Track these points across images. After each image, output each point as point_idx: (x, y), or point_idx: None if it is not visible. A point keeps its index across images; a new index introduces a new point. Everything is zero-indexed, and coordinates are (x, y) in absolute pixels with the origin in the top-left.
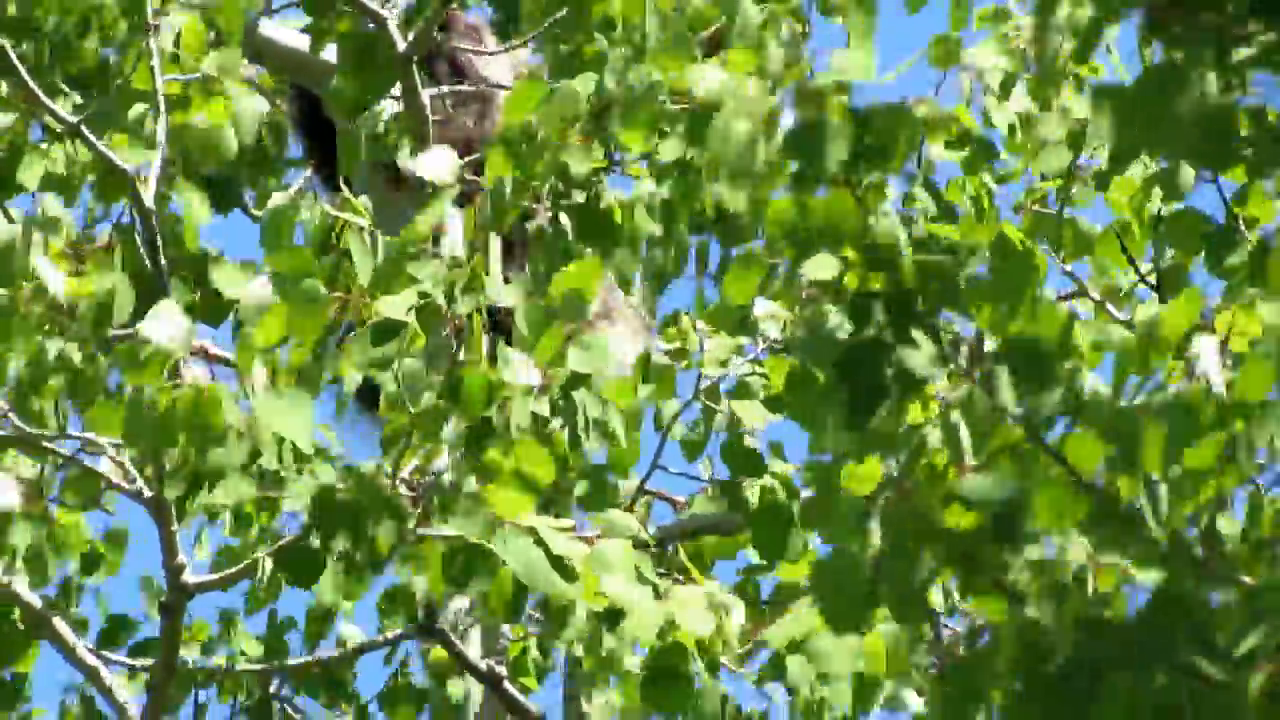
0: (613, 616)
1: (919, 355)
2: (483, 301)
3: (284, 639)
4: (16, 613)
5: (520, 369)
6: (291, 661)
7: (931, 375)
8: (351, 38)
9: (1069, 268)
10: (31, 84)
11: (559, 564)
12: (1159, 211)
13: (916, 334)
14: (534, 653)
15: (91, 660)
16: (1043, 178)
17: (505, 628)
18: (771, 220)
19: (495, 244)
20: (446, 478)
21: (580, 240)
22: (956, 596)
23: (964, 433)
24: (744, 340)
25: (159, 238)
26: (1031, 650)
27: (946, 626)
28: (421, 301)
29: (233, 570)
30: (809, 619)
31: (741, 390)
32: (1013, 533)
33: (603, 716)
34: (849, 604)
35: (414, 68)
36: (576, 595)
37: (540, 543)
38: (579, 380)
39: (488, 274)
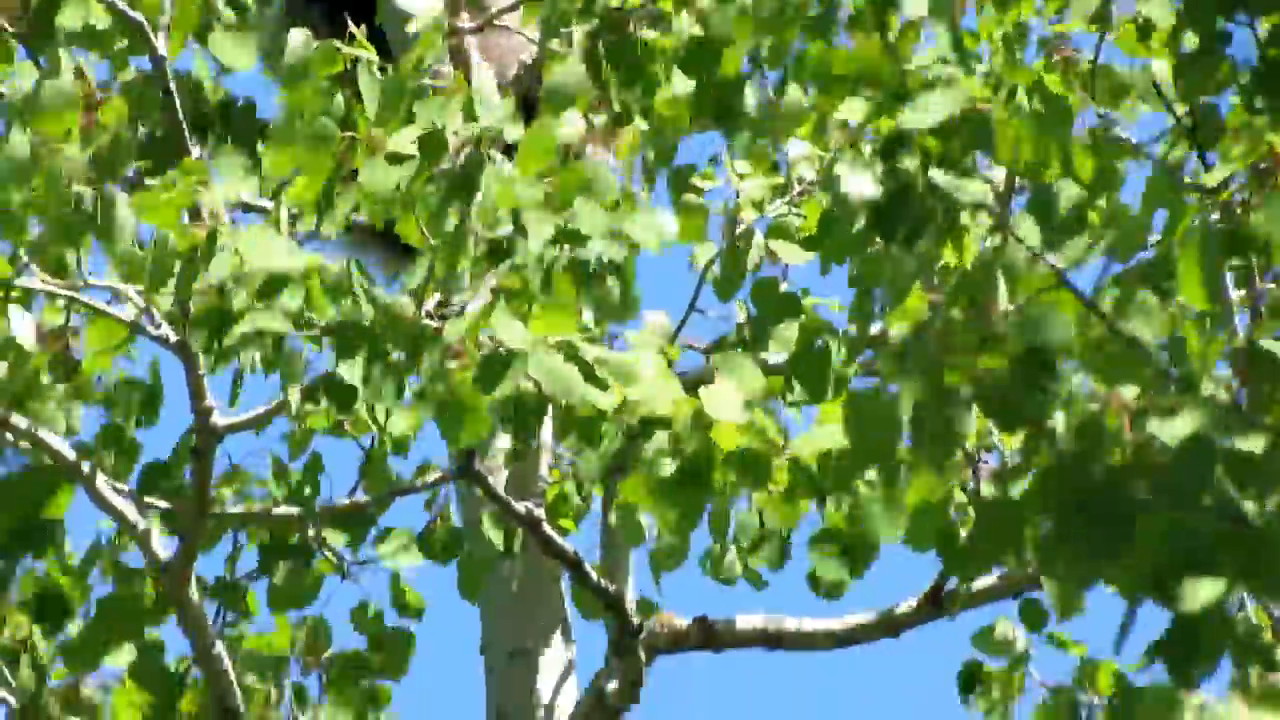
0: (645, 428)
1: (968, 186)
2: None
3: (318, 482)
4: (46, 459)
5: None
6: (326, 505)
7: (982, 203)
8: None
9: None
10: None
11: (590, 375)
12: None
13: (950, 177)
14: (571, 494)
15: (120, 503)
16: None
17: (542, 470)
18: (804, 65)
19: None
20: (469, 305)
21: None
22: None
23: (999, 276)
24: (779, 180)
25: (173, 87)
26: (1066, 489)
27: (984, 463)
28: (426, 132)
29: (262, 410)
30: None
31: (777, 231)
32: (1048, 372)
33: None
34: (879, 438)
35: None
36: (608, 406)
37: (572, 357)
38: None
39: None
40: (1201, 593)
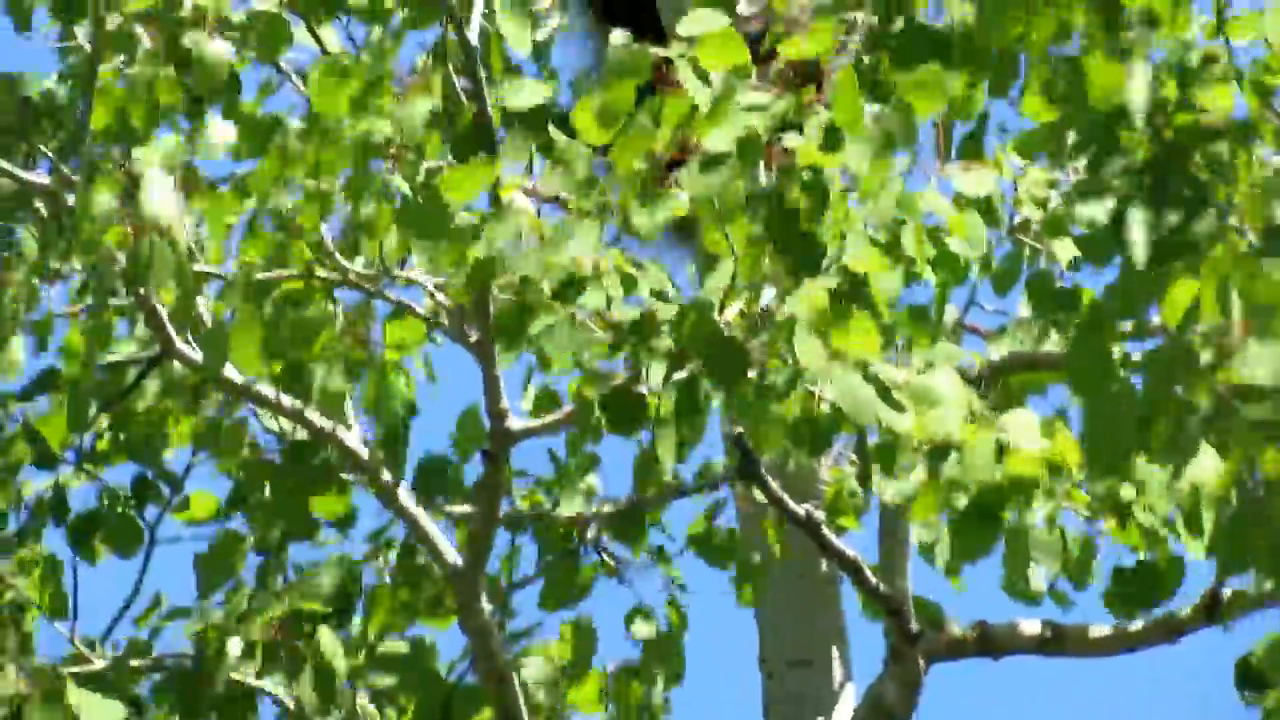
0: (941, 451)
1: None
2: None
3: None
4: (331, 456)
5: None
6: (608, 508)
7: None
8: None
9: None
10: None
11: (887, 397)
12: None
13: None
14: (854, 492)
15: (412, 507)
16: None
17: (823, 471)
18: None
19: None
20: (778, 310)
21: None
22: None
23: (1234, 296)
24: (1057, 174)
25: (481, 73)
26: None
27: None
28: (745, 133)
29: (558, 415)
30: None
31: (1053, 226)
32: None
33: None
34: (1114, 448)
35: None
36: (905, 429)
37: (869, 377)
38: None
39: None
40: None
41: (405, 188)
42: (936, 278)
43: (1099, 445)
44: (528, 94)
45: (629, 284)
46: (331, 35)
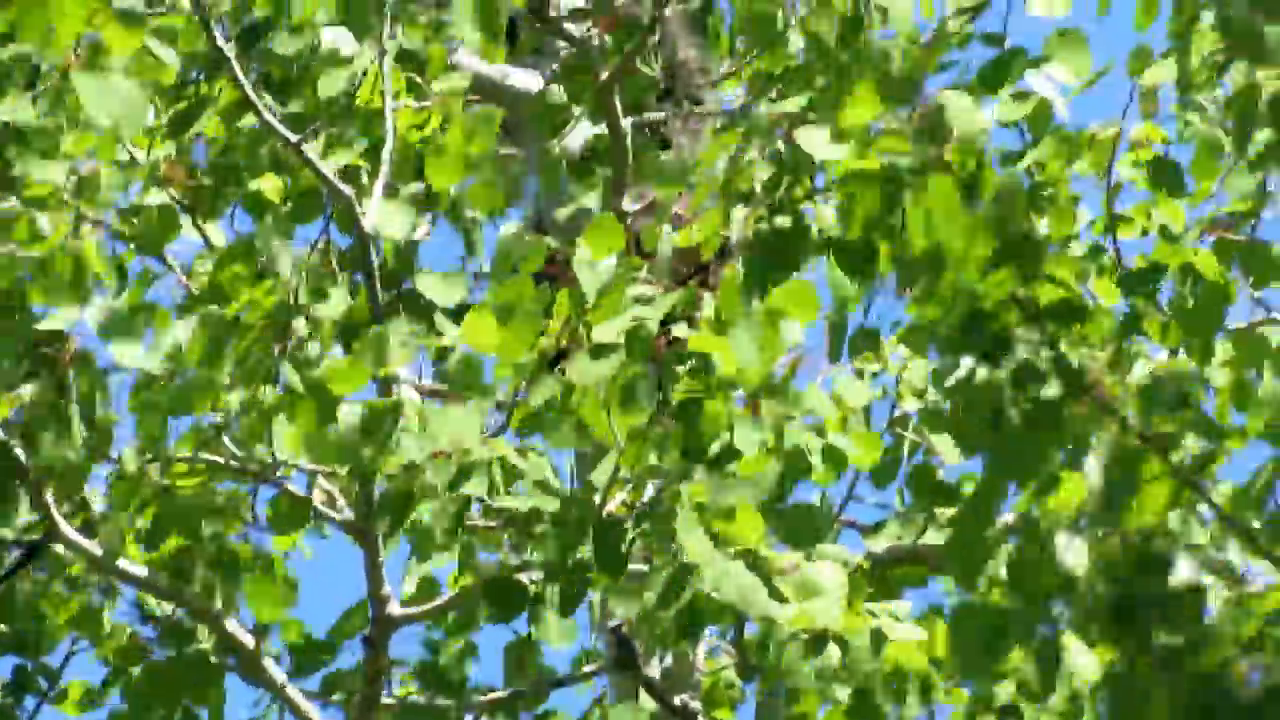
0: (820, 641)
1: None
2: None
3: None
4: (209, 645)
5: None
6: (485, 697)
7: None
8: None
9: (1259, 295)
10: (254, 98)
11: (770, 586)
12: None
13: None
14: (731, 683)
15: (293, 693)
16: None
17: (700, 660)
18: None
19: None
20: (661, 496)
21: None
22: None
23: (1094, 467)
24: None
25: (375, 264)
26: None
27: None
28: (635, 325)
29: (440, 602)
30: None
31: (931, 419)
32: (1162, 579)
33: None
34: (978, 653)
35: (615, 98)
36: (785, 620)
37: (754, 566)
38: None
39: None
40: None
41: (295, 378)
42: (818, 475)
43: (964, 649)
44: (441, 287)
45: (511, 475)
46: (214, 228)
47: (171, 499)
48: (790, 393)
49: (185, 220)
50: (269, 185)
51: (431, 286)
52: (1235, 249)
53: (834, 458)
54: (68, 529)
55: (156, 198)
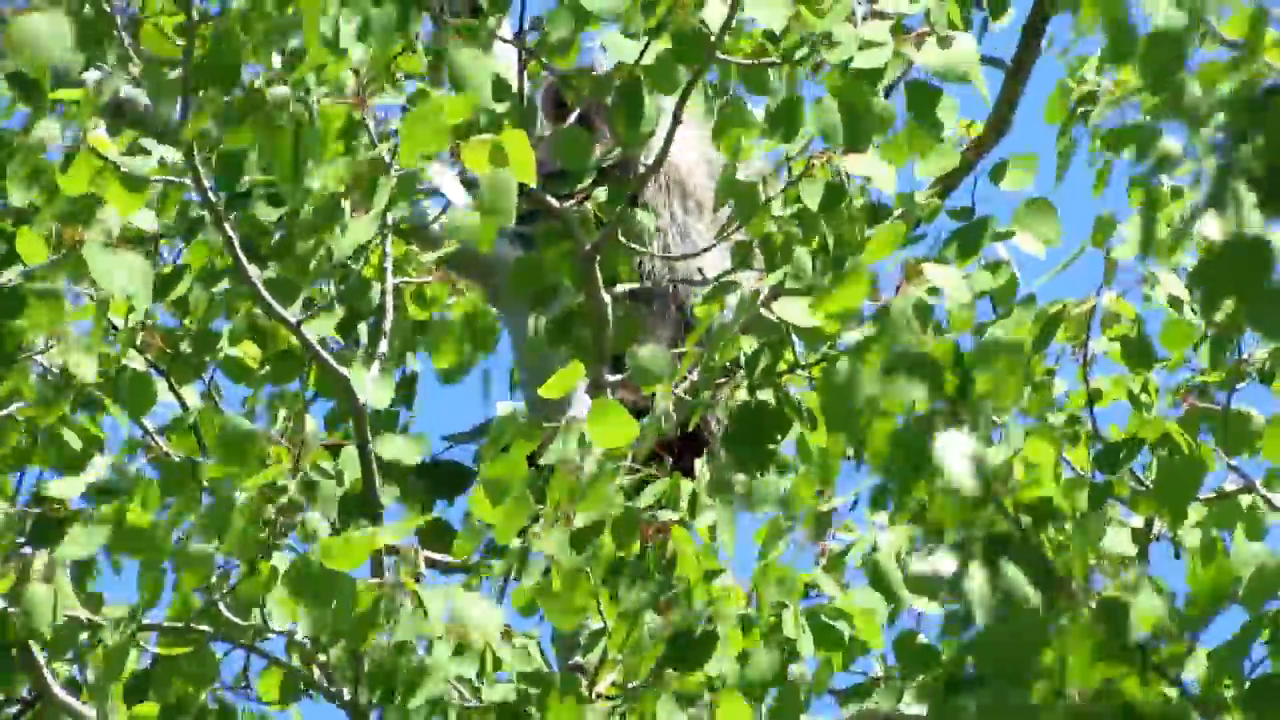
0: None
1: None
2: (684, 512)
3: None
4: None
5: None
6: None
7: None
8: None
9: (1234, 461)
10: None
11: None
12: None
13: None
14: None
15: None
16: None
17: None
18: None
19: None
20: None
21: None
22: None
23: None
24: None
25: (370, 443)
26: None
27: None
28: (620, 510)
29: None
30: None
31: (913, 584)
32: None
33: None
34: None
35: (595, 267)
36: None
37: None
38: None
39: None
40: None
41: (289, 550)
42: (818, 654)
43: None
44: (403, 449)
45: (498, 663)
46: (192, 394)
47: (159, 667)
48: (786, 576)
49: (161, 385)
50: (246, 351)
51: (394, 450)
52: (1208, 419)
53: (828, 640)
54: (59, 690)
55: (134, 361)
